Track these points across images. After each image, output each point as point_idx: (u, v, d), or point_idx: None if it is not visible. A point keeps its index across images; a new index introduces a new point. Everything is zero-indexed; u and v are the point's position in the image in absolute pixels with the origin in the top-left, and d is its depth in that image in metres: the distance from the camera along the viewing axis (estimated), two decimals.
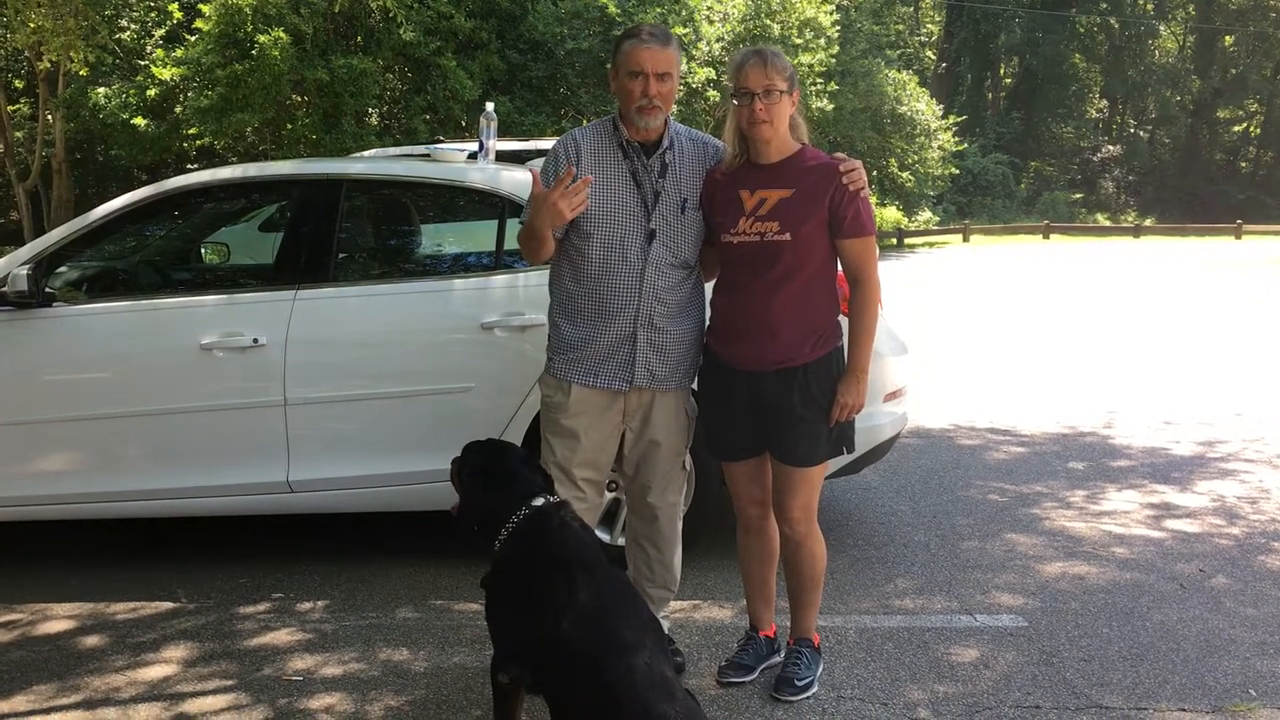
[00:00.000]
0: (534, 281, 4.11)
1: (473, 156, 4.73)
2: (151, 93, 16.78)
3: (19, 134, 19.65)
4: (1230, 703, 3.35)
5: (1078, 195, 42.71)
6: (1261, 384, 8.90)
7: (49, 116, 18.23)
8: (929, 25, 47.32)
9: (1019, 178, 41.13)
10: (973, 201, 38.34)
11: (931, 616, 4.01)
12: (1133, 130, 47.89)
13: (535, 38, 18.80)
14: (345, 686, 3.44)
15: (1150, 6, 44.84)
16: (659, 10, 18.88)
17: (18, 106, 20.42)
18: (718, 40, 19.41)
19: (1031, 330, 12.41)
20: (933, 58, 44.64)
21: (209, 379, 4.21)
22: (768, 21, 19.75)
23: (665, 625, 3.46)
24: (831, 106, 21.95)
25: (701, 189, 3.30)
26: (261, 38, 15.36)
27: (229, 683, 3.47)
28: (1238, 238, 32.55)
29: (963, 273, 21.46)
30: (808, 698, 3.34)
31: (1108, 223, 39.80)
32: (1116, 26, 44.85)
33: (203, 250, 5.90)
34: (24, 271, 4.11)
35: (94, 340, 4.28)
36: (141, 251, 5.19)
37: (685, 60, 18.40)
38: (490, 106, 4.84)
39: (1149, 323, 13.07)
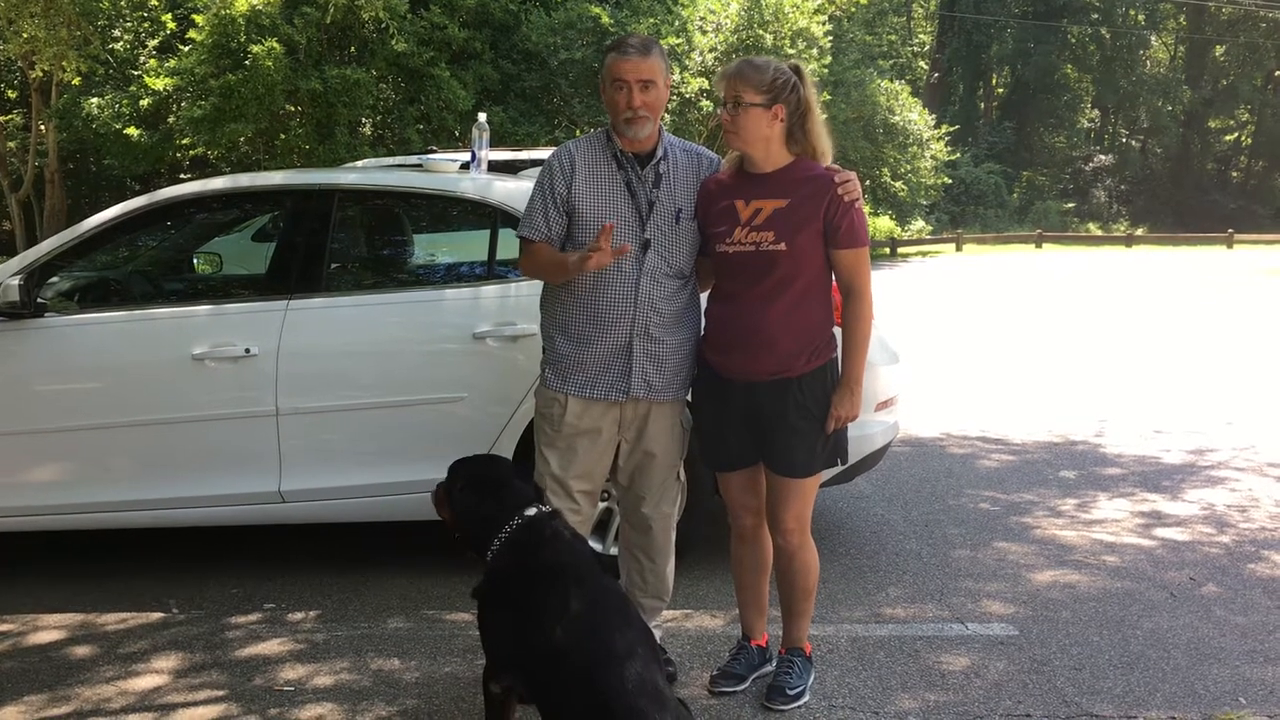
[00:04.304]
0: (526, 291, 4.12)
1: (465, 166, 4.74)
2: (145, 103, 16.79)
3: (12, 144, 19.62)
4: (1220, 710, 3.36)
5: (1070, 204, 42.85)
6: (1251, 392, 8.94)
7: (42, 126, 18.22)
8: (921, 35, 47.57)
9: (1011, 187, 41.26)
10: (965, 211, 38.45)
11: (922, 625, 4.02)
12: (1124, 140, 48.06)
13: (529, 48, 18.85)
14: (336, 697, 3.44)
15: (1141, 17, 45.04)
16: (652, 20, 18.96)
17: (10, 116, 20.39)
18: (711, 50, 19.48)
19: (1023, 339, 12.44)
20: (925, 68, 44.86)
21: (201, 389, 4.20)
22: (760, 32, 19.81)
23: (657, 634, 3.46)
24: (824, 116, 21.98)
25: (696, 199, 3.32)
26: (255, 48, 15.38)
27: (219, 693, 3.46)
28: (1229, 247, 32.69)
29: (955, 282, 21.51)
30: (799, 706, 3.34)
31: (1100, 232, 39.92)
32: (1108, 37, 45.06)
33: (195, 260, 5.90)
34: (15, 282, 4.10)
35: (86, 350, 4.27)
36: (134, 261, 5.19)
37: (678, 70, 18.44)
38: (483, 117, 4.85)
39: (1140, 331, 13.11)
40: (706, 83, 18.82)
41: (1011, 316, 15.01)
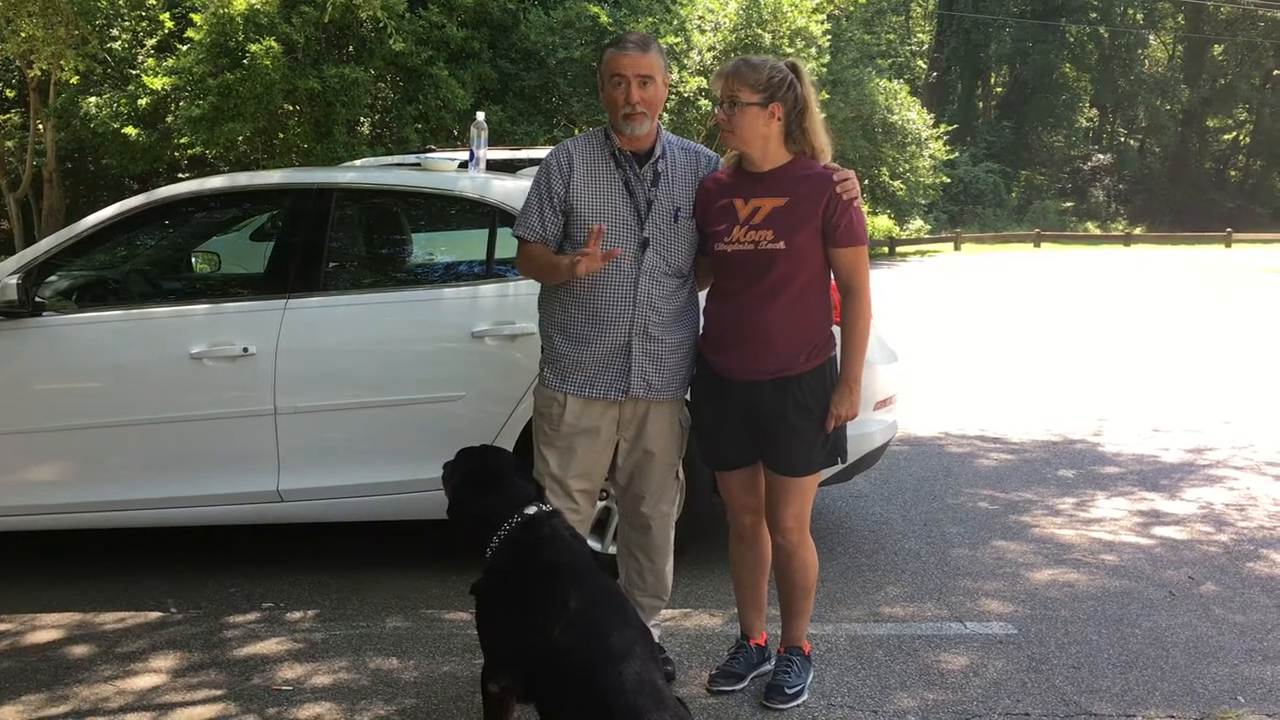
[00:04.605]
0: (524, 290, 4.12)
1: (463, 165, 4.73)
2: (143, 102, 16.76)
3: (10, 143, 19.59)
4: (1218, 709, 3.36)
5: (1068, 204, 42.89)
6: (1249, 391, 8.94)
7: (40, 126, 18.19)
8: (919, 34, 47.58)
9: (1010, 186, 41.29)
10: (964, 210, 38.47)
11: (921, 624, 4.01)
12: (1123, 139, 48.10)
13: (527, 47, 18.83)
14: (334, 696, 3.43)
15: (1140, 16, 45.06)
16: (651, 20, 18.94)
17: (9, 116, 20.35)
18: (709, 49, 19.47)
19: (1021, 338, 12.45)
20: (923, 67, 44.86)
21: (199, 388, 4.20)
22: (759, 31, 19.80)
23: (656, 633, 3.46)
24: (823, 116, 22.00)
25: (694, 198, 3.32)
26: (253, 47, 15.36)
27: (218, 692, 3.46)
28: (1227, 246, 32.72)
29: (954, 281, 21.52)
30: (798, 705, 3.34)
31: (1098, 231, 39.95)
32: (1106, 36, 45.08)
33: (193, 259, 5.90)
34: (13, 281, 4.10)
35: (84, 350, 4.26)
36: (132, 261, 5.19)
37: (677, 69, 18.43)
38: (481, 116, 4.85)
39: (1139, 330, 13.11)
40: (705, 82, 18.80)
41: (1010, 316, 15.01)
